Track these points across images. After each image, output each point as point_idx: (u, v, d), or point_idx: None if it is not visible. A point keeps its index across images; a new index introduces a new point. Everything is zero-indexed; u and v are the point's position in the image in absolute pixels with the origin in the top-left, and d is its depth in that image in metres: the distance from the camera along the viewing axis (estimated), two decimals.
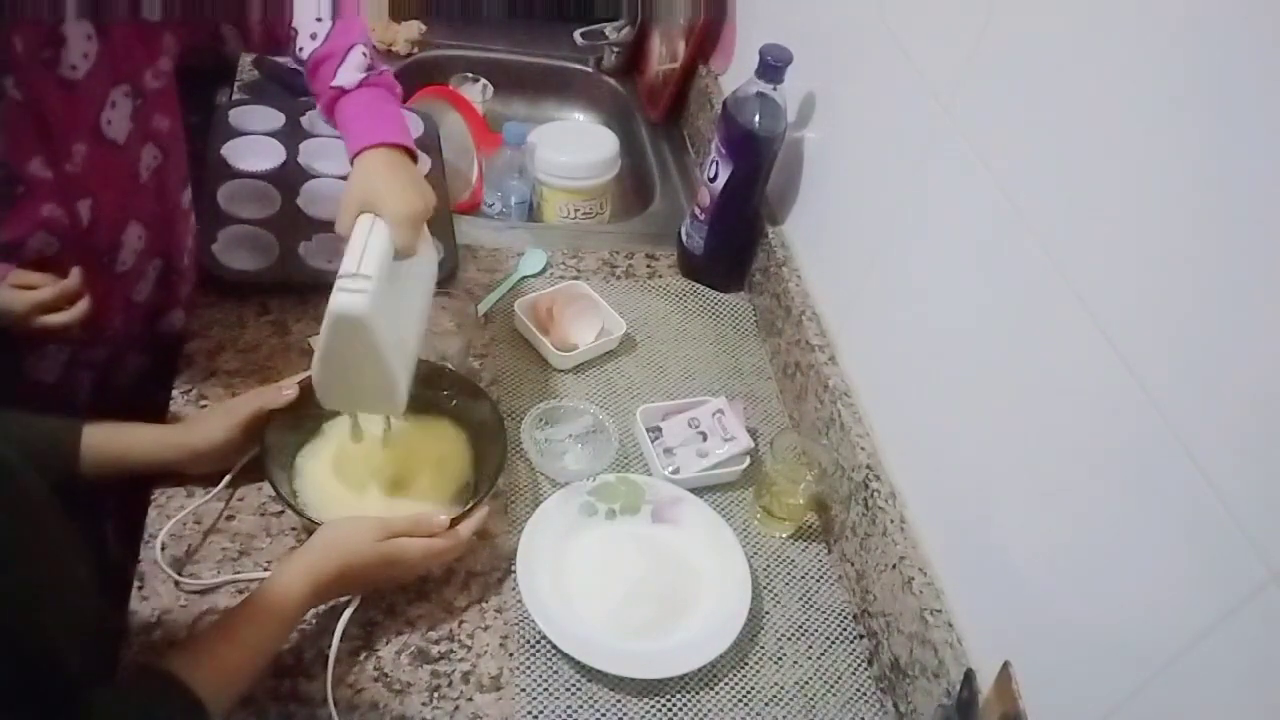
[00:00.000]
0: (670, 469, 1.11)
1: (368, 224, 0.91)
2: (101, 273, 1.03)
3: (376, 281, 0.85)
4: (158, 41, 1.00)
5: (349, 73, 1.02)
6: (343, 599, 0.91)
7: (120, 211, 1.04)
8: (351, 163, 0.97)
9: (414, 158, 1.01)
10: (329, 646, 0.89)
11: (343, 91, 1.02)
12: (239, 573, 0.94)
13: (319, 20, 1.04)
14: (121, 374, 1.16)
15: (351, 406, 0.99)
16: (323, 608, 0.91)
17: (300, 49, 1.04)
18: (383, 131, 0.99)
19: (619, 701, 0.93)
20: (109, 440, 0.93)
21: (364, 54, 1.03)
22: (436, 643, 0.93)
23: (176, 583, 0.92)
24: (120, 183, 1.02)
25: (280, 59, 1.48)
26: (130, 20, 0.94)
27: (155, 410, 1.06)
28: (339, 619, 0.89)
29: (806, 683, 0.98)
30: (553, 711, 0.91)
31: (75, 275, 0.96)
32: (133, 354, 1.16)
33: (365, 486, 1.00)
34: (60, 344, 1.05)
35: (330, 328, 0.86)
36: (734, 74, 1.54)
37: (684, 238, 1.40)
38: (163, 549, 0.93)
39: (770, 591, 1.05)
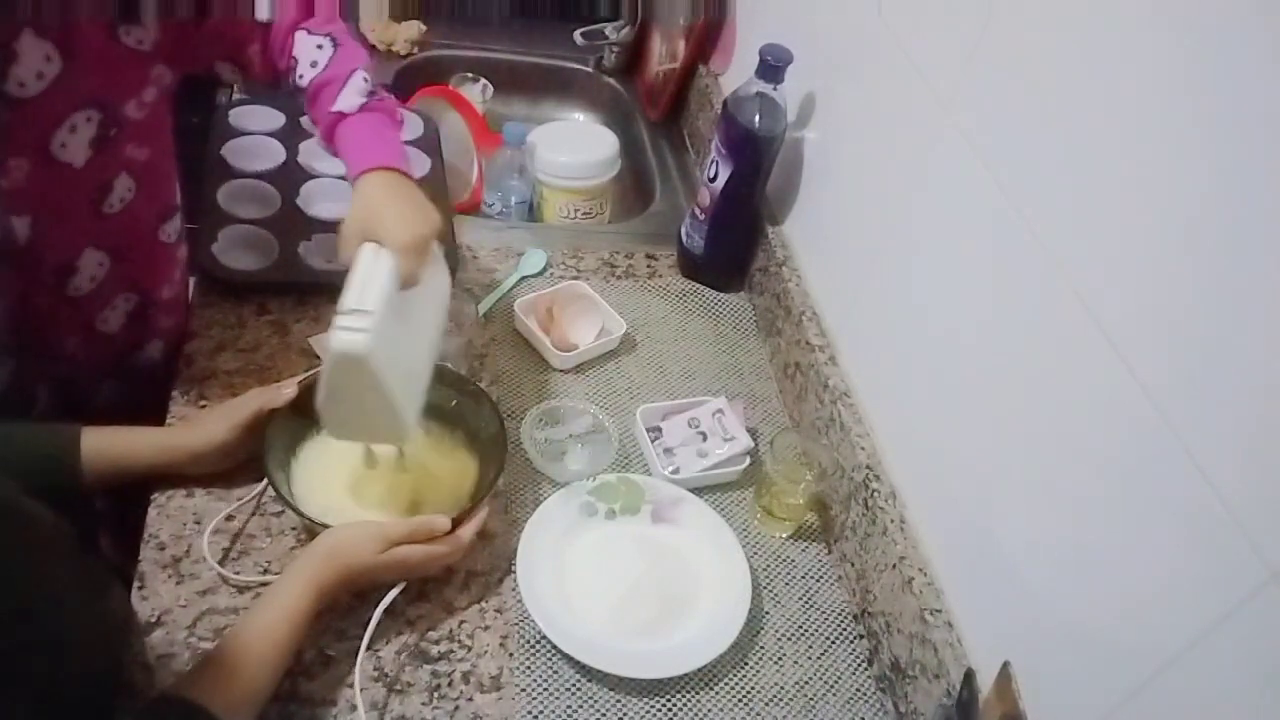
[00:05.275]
0: (670, 469, 1.11)
1: (370, 255, 0.87)
2: (48, 293, 0.99)
3: (379, 317, 0.82)
4: (145, 72, 0.95)
5: (350, 97, 0.99)
6: (371, 596, 0.91)
7: (72, 235, 0.98)
8: (352, 187, 0.94)
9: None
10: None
11: (342, 116, 0.98)
12: (238, 573, 0.94)
13: (319, 48, 1.02)
14: (94, 399, 1.12)
15: (360, 438, 0.98)
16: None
17: (300, 76, 1.02)
18: (383, 154, 0.96)
19: (619, 701, 0.93)
20: (109, 446, 0.92)
21: (365, 79, 1.00)
22: (436, 643, 0.93)
23: (224, 579, 0.93)
24: (73, 206, 0.96)
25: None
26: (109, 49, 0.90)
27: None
28: (353, 619, 0.89)
29: (806, 683, 0.98)
30: (553, 711, 0.91)
31: None
32: (108, 382, 1.13)
33: (384, 509, 0.99)
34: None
35: (332, 366, 0.84)
36: (734, 74, 1.54)
37: (684, 238, 1.40)
38: (220, 561, 0.94)
39: (770, 591, 1.05)
